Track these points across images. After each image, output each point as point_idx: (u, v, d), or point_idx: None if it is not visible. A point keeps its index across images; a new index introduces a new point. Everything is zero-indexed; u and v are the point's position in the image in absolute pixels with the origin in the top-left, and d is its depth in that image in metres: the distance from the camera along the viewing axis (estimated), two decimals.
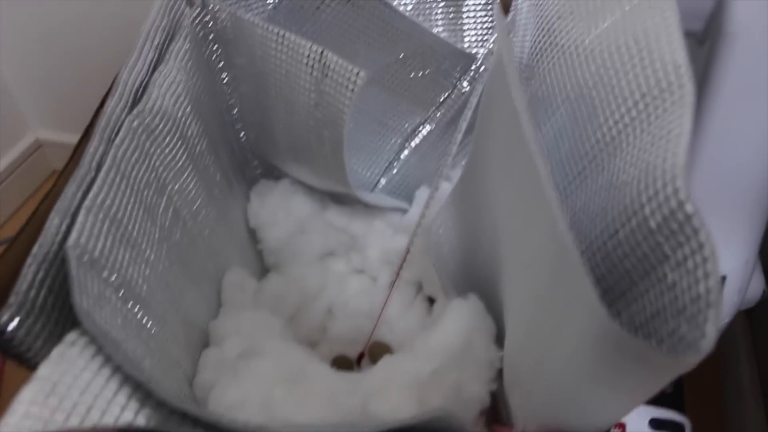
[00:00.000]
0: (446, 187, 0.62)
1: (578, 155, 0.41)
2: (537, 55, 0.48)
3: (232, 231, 0.62)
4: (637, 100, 0.36)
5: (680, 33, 0.34)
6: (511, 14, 0.57)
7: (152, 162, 0.45)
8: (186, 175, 0.50)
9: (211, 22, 0.53)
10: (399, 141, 0.68)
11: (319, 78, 0.48)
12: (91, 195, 0.37)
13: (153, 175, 0.45)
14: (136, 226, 0.42)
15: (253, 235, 0.66)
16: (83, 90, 0.90)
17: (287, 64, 0.50)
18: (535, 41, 0.48)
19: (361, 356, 0.62)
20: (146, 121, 0.44)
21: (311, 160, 0.58)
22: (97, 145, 0.40)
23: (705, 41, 0.51)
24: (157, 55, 0.48)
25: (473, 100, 0.60)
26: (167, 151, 0.47)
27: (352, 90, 0.47)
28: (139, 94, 0.45)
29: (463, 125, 0.60)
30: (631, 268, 0.34)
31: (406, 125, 0.67)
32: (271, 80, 0.52)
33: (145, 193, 0.43)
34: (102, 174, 0.38)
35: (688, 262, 0.29)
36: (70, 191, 0.37)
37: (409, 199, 0.68)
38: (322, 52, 0.47)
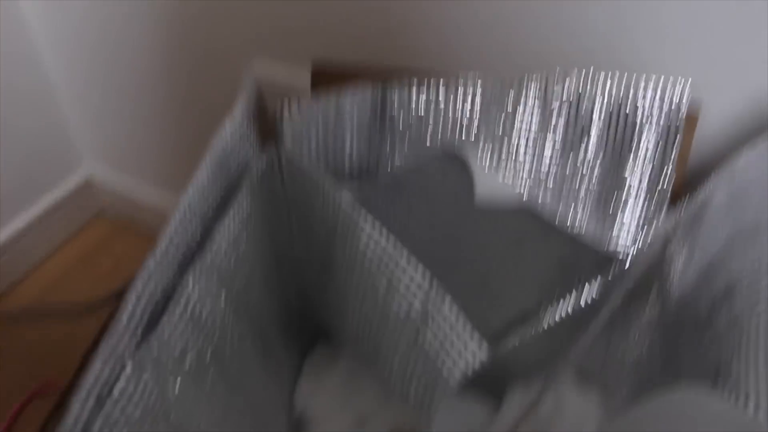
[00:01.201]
0: (547, 411, 0.48)
1: None
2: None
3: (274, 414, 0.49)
4: None
5: None
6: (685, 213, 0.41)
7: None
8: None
9: (282, 178, 0.40)
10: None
11: (419, 326, 0.34)
12: None
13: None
14: None
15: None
16: (138, 129, 0.86)
17: (377, 276, 0.35)
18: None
19: None
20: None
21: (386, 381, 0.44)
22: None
23: None
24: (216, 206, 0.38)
25: (601, 309, 0.46)
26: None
27: (457, 359, 0.33)
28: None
29: (585, 342, 0.46)
30: None
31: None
32: (353, 280, 0.38)
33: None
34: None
35: None
36: None
37: (495, 392, 0.54)
38: (427, 298, 0.32)
